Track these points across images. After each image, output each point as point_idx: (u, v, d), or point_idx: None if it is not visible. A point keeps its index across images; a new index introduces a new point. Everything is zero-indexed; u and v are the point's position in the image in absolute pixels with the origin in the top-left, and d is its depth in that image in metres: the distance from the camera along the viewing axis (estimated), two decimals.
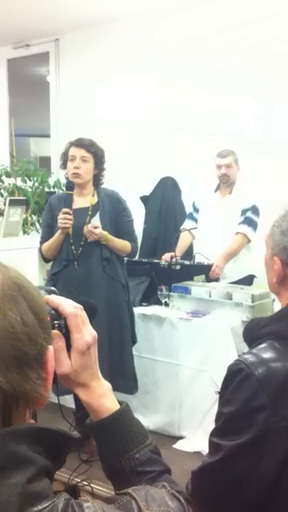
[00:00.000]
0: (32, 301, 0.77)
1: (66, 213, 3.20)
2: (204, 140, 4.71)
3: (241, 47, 4.66)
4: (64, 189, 3.94)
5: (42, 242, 3.43)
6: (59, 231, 3.25)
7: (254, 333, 1.39)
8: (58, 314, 0.89)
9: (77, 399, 2.71)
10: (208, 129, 4.86)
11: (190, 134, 4.97)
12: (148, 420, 3.46)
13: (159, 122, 5.19)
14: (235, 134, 4.73)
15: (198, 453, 3.27)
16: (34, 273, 4.08)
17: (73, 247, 3.27)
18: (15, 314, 0.74)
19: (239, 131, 4.78)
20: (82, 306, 0.93)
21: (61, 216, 3.20)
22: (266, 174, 4.51)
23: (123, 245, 3.36)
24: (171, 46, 5.04)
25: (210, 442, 1.29)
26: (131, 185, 5.15)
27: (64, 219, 3.19)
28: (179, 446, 3.42)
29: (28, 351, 0.74)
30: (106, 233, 3.25)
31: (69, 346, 0.90)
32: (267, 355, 1.26)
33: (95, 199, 3.36)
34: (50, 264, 3.50)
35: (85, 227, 3.22)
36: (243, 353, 1.32)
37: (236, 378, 1.25)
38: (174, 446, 3.41)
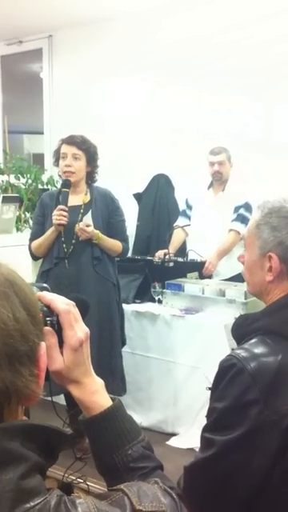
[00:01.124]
0: (24, 297, 0.77)
1: (61, 209, 3.17)
2: (204, 140, 4.71)
3: (240, 47, 4.66)
4: (57, 186, 3.94)
5: (31, 239, 3.40)
6: (52, 228, 3.22)
7: (242, 329, 1.39)
8: (50, 311, 0.89)
9: (68, 397, 2.71)
10: (208, 129, 4.86)
11: (190, 133, 4.97)
12: (142, 417, 3.46)
13: (158, 122, 5.18)
14: (235, 134, 4.73)
15: (192, 449, 3.28)
16: (27, 270, 4.07)
17: (64, 245, 3.25)
18: (7, 310, 0.74)
19: (239, 131, 4.79)
20: (74, 303, 0.93)
21: (56, 212, 3.17)
22: (265, 173, 4.51)
23: (114, 244, 3.34)
24: (171, 46, 5.03)
25: (202, 438, 1.29)
26: (131, 185, 5.14)
27: (60, 215, 3.16)
28: (173, 442, 3.43)
29: (20, 348, 0.74)
30: (97, 231, 3.22)
31: (61, 343, 0.90)
32: (259, 350, 1.27)
33: (88, 197, 3.34)
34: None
35: (76, 225, 3.20)
36: (233, 348, 1.33)
37: (228, 373, 1.25)
38: (168, 442, 3.42)
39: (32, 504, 0.68)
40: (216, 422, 1.26)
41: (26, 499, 0.68)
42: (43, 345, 0.80)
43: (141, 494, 0.79)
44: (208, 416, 1.30)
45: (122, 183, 4.79)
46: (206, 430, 1.29)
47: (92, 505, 0.73)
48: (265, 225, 1.38)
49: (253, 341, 1.31)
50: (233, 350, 1.31)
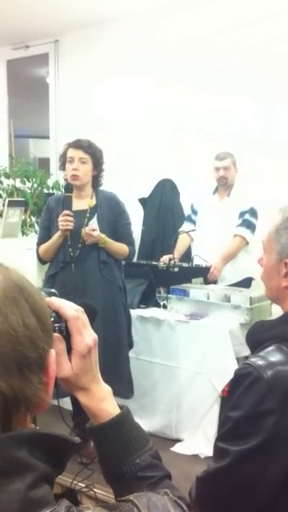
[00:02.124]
0: (34, 303, 0.76)
1: (66, 215, 3.18)
2: (204, 140, 4.72)
3: (241, 47, 4.66)
4: (63, 190, 3.93)
5: (38, 244, 3.41)
6: (58, 233, 3.23)
7: (258, 336, 1.36)
8: (58, 317, 0.88)
9: (75, 403, 2.69)
10: (208, 129, 4.86)
11: (190, 134, 4.97)
12: (145, 422, 3.44)
13: (159, 122, 5.19)
14: (235, 134, 4.73)
15: (196, 456, 3.27)
16: (32, 274, 4.06)
17: (70, 249, 3.26)
18: (17, 316, 0.72)
19: (239, 131, 4.78)
20: (82, 309, 0.92)
21: (62, 218, 3.18)
22: (265, 174, 4.50)
23: (121, 248, 3.34)
24: (171, 46, 5.04)
25: (216, 447, 1.26)
26: (131, 185, 5.14)
27: (65, 221, 3.17)
28: (177, 448, 3.41)
29: (29, 355, 0.73)
30: (103, 235, 3.23)
31: (69, 349, 0.89)
32: (275, 358, 1.23)
33: (93, 201, 3.34)
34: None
35: (82, 230, 3.21)
36: (246, 357, 1.30)
37: (244, 382, 1.22)
38: (172, 448, 3.40)
39: None
40: (231, 431, 1.23)
41: (34, 510, 0.67)
42: (53, 352, 0.79)
43: (150, 506, 0.77)
44: (222, 425, 1.27)
45: (123, 183, 4.77)
46: (219, 439, 1.26)
47: None
48: (285, 230, 1.35)
49: (269, 349, 1.27)
50: (247, 357, 1.28)
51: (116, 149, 4.95)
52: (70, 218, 3.17)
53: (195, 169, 4.84)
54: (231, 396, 1.26)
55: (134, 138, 5.30)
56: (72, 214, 3.19)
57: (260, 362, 1.22)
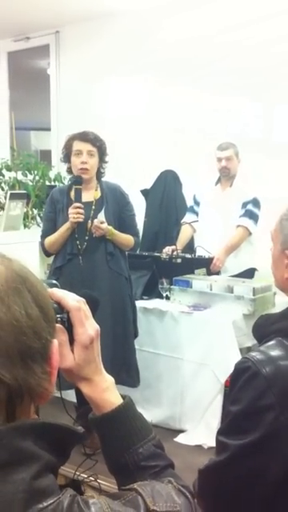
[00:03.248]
0: (36, 294, 0.76)
1: (77, 207, 3.19)
2: (204, 140, 4.71)
3: (241, 47, 4.65)
4: (65, 182, 3.93)
5: (43, 236, 3.42)
6: (66, 225, 3.24)
7: (263, 329, 1.35)
8: (60, 308, 0.88)
9: (79, 394, 2.70)
10: (208, 129, 4.85)
11: (191, 133, 4.96)
12: (149, 413, 3.45)
13: (159, 122, 5.17)
14: (235, 134, 4.71)
15: (199, 446, 3.28)
16: (34, 267, 4.06)
17: (77, 242, 3.26)
18: (19, 307, 0.73)
19: (239, 131, 4.77)
20: (84, 300, 0.92)
21: (73, 210, 3.19)
22: (265, 173, 4.49)
23: (127, 239, 3.37)
24: (172, 46, 5.03)
25: (217, 441, 1.26)
26: (130, 184, 5.13)
27: (77, 213, 3.18)
28: (180, 439, 3.42)
29: (32, 345, 0.73)
30: (110, 227, 3.25)
31: (72, 340, 0.89)
32: (275, 353, 1.22)
33: (98, 193, 3.35)
34: (51, 258, 3.48)
35: (89, 222, 3.22)
36: (249, 347, 1.30)
37: (243, 376, 1.21)
38: (175, 439, 3.41)
39: (45, 504, 0.67)
40: (230, 425, 1.23)
41: (39, 499, 0.67)
42: (55, 342, 0.79)
43: (155, 494, 0.78)
44: (224, 418, 1.27)
45: (123, 183, 4.77)
46: (220, 432, 1.26)
47: (105, 505, 0.72)
48: (287, 220, 1.35)
49: (270, 343, 1.26)
50: (250, 348, 1.27)
51: (116, 144, 4.94)
52: (81, 211, 3.19)
53: (195, 169, 4.84)
54: (232, 389, 1.25)
55: (133, 137, 5.28)
56: (82, 206, 3.20)
57: (259, 357, 1.22)
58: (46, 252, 3.45)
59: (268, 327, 1.33)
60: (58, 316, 0.87)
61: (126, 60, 5.36)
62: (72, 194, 3.29)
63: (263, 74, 4.59)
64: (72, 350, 0.89)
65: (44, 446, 0.71)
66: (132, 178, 5.17)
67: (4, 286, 0.73)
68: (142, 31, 5.23)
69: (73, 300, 0.89)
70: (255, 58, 4.58)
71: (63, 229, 3.27)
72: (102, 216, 3.28)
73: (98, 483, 1.01)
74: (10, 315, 0.71)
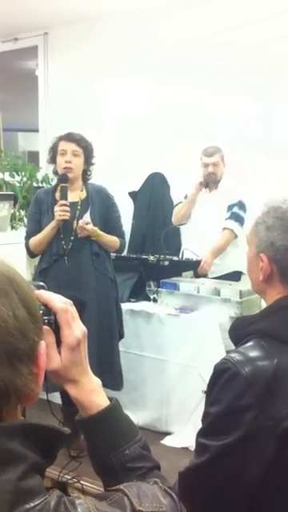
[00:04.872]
0: (24, 295, 0.76)
1: (63, 205, 3.18)
2: (204, 140, 4.70)
3: (240, 47, 4.64)
4: (52, 184, 3.91)
5: (27, 237, 3.39)
6: (52, 224, 3.22)
7: (239, 331, 1.36)
8: (47, 310, 0.88)
9: (64, 396, 2.71)
10: (207, 129, 4.83)
11: (190, 133, 4.95)
12: (136, 416, 3.45)
13: (158, 121, 5.15)
14: (235, 134, 4.72)
15: (186, 448, 3.28)
16: (22, 268, 4.05)
17: (63, 242, 3.26)
18: (6, 308, 0.73)
19: (239, 131, 4.77)
20: (71, 302, 0.92)
21: (59, 208, 3.18)
22: (265, 173, 4.49)
23: (112, 240, 3.37)
24: (171, 46, 5.01)
25: (197, 443, 1.26)
26: (129, 185, 5.13)
27: (62, 211, 3.17)
28: (167, 441, 3.42)
29: (19, 346, 0.73)
30: (96, 228, 3.25)
31: (59, 342, 0.89)
32: (254, 354, 1.24)
33: (84, 194, 3.35)
34: (38, 259, 3.47)
35: (75, 222, 3.21)
36: (228, 351, 1.31)
37: (223, 377, 1.22)
38: (162, 441, 3.42)
39: (32, 505, 0.67)
40: (210, 426, 1.24)
41: (25, 500, 0.67)
42: (43, 343, 0.79)
43: (141, 495, 0.78)
44: (203, 420, 1.27)
45: (121, 183, 4.77)
46: (200, 434, 1.26)
47: (92, 505, 0.72)
48: (262, 224, 1.36)
49: (248, 344, 1.28)
50: (228, 352, 1.29)
51: (112, 147, 4.94)
52: (67, 208, 3.18)
53: (195, 169, 4.83)
54: (211, 391, 1.26)
55: (130, 138, 5.26)
56: (68, 204, 3.19)
57: (238, 358, 1.23)
58: (31, 253, 3.43)
59: (244, 329, 1.35)
60: (45, 318, 0.87)
61: (120, 60, 5.33)
62: (58, 193, 3.29)
63: (263, 74, 4.59)
64: (59, 352, 0.89)
65: (31, 446, 0.71)
66: (130, 178, 5.18)
67: None
68: (138, 31, 5.21)
69: (60, 302, 0.90)
70: (254, 57, 4.58)
71: (48, 228, 3.25)
72: (87, 217, 3.27)
73: (81, 484, 1.01)
74: None
